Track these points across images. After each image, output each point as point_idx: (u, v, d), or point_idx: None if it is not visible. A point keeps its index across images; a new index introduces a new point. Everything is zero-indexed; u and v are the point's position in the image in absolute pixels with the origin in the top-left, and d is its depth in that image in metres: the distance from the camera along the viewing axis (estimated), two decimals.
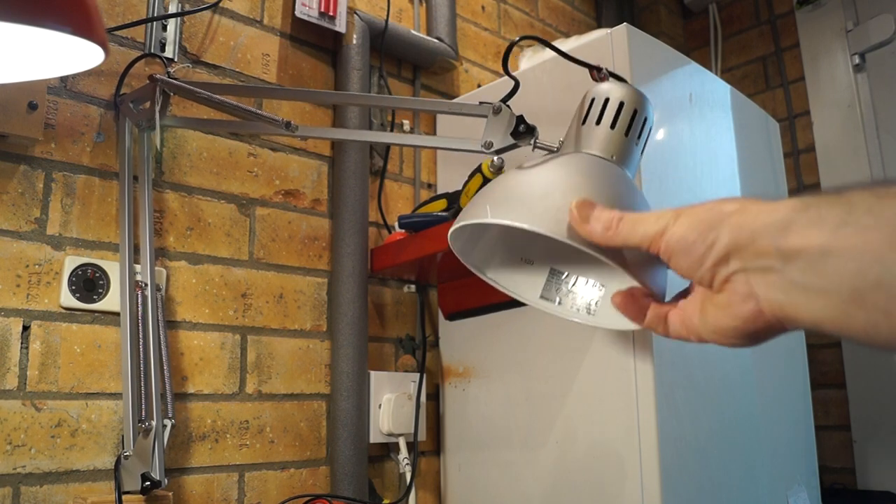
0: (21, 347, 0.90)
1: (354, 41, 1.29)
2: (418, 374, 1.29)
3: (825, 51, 1.83)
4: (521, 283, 0.67)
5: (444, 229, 1.14)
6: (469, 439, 1.25)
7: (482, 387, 1.24)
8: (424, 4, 1.51)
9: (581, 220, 0.51)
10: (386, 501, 1.20)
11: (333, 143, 1.28)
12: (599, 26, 1.95)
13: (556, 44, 1.42)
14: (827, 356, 1.73)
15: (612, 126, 0.62)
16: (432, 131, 1.45)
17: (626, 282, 0.53)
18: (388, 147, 1.35)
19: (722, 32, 2.08)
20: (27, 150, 0.94)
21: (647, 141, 0.65)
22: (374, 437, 1.20)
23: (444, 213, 1.17)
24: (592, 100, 0.64)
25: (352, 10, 1.30)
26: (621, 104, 0.62)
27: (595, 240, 0.50)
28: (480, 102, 0.75)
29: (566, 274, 0.66)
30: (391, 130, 1.38)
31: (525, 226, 0.53)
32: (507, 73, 0.71)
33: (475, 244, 0.67)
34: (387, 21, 1.35)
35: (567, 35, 1.81)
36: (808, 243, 0.38)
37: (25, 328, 0.91)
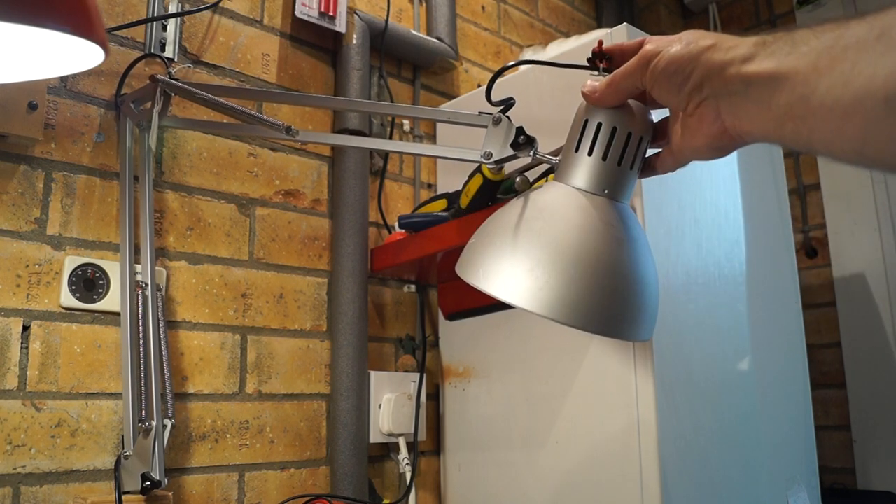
0: (21, 347, 0.90)
1: (354, 41, 1.29)
2: (418, 374, 1.29)
3: None
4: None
5: (444, 229, 1.14)
6: (469, 439, 1.25)
7: (482, 387, 1.24)
8: (424, 4, 1.51)
9: (591, 93, 0.61)
10: (386, 501, 1.20)
11: None
12: (599, 26, 1.95)
13: (555, 44, 1.43)
14: (827, 356, 1.73)
15: (604, 158, 0.61)
16: (432, 132, 1.45)
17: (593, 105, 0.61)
18: None
19: (722, 32, 2.08)
20: (27, 150, 0.94)
21: (644, 155, 0.64)
22: (374, 437, 1.20)
23: (444, 213, 1.17)
24: (585, 122, 0.63)
25: (352, 10, 1.30)
26: (614, 129, 0.61)
27: (606, 98, 0.60)
28: (480, 112, 0.74)
29: None
30: (391, 130, 1.38)
31: (513, 302, 0.58)
32: (490, 101, 0.71)
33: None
34: (387, 21, 1.35)
35: (567, 35, 1.81)
36: (762, 69, 0.47)
37: (25, 328, 0.91)
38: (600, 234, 0.60)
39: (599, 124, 0.62)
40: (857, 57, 0.41)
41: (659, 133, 0.63)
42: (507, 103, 0.72)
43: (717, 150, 0.55)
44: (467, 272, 0.63)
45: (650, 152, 0.64)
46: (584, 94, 0.62)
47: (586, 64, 0.67)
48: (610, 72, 0.62)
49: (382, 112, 1.33)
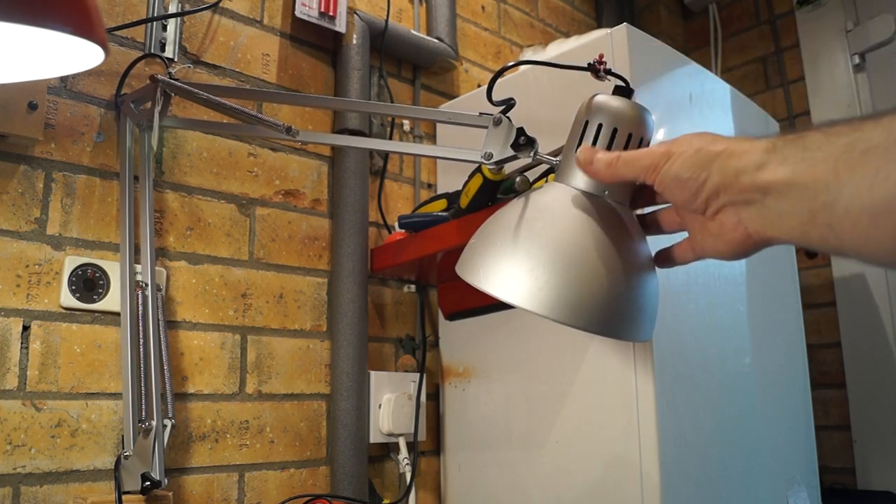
0: (21, 347, 0.90)
1: (354, 41, 1.29)
2: (418, 374, 1.29)
3: (825, 51, 1.83)
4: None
5: (444, 229, 1.14)
6: (469, 439, 1.25)
7: (482, 387, 1.24)
8: (424, 4, 1.51)
9: (586, 164, 0.60)
10: (386, 501, 1.20)
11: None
12: (599, 26, 1.95)
13: (555, 44, 1.43)
14: (827, 356, 1.73)
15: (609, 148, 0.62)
16: (432, 132, 1.45)
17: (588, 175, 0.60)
18: None
19: (722, 32, 2.08)
20: (27, 150, 0.94)
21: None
22: (374, 437, 1.20)
23: (444, 213, 1.17)
24: (586, 123, 0.63)
25: (352, 10, 1.30)
26: (615, 131, 0.61)
27: (601, 177, 0.59)
28: (480, 113, 0.74)
29: None
30: (391, 130, 1.38)
31: (513, 302, 0.58)
32: (491, 101, 0.72)
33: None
34: (387, 21, 1.35)
35: (567, 35, 1.81)
36: (777, 178, 0.46)
37: (25, 328, 0.91)
38: (600, 235, 0.60)
39: (600, 125, 0.62)
40: (879, 162, 0.40)
41: (666, 223, 0.63)
42: (508, 104, 0.72)
43: (742, 253, 0.54)
44: (467, 272, 0.63)
45: (669, 240, 0.64)
46: (579, 159, 0.61)
47: (586, 66, 0.67)
48: (609, 73, 0.62)
49: (382, 112, 1.33)
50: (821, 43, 1.84)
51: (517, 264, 0.60)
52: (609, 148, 0.61)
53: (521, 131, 0.71)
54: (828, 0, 1.83)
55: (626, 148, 0.61)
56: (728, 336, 1.15)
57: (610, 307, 0.59)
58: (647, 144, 0.63)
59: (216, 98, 0.93)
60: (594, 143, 0.62)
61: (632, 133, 0.61)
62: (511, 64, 0.75)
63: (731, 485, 1.09)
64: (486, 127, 0.73)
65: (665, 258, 0.64)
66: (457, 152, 0.78)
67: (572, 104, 0.66)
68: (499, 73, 0.72)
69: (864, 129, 0.42)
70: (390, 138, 1.37)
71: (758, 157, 0.48)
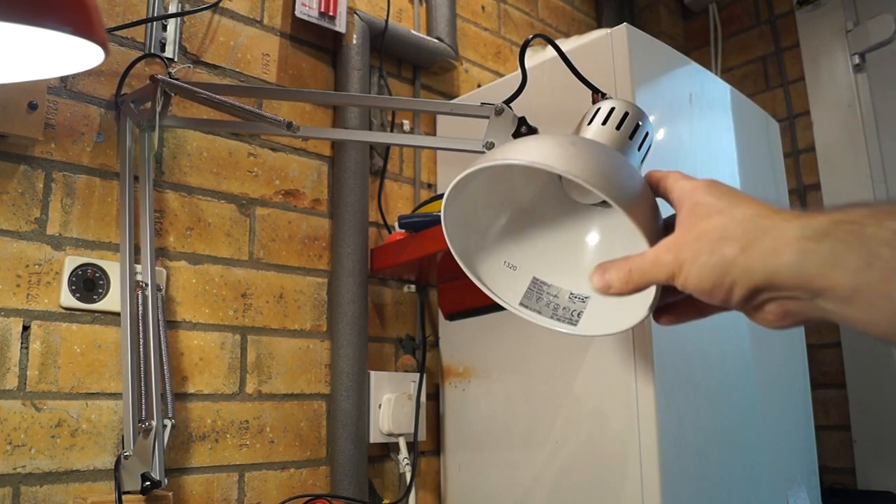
0: (21, 347, 0.90)
1: (354, 41, 1.29)
2: (418, 374, 1.29)
3: (825, 51, 1.83)
4: (502, 286, 0.67)
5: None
6: (469, 439, 1.25)
7: (482, 387, 1.24)
8: (424, 4, 1.51)
9: (605, 289, 0.52)
10: (386, 501, 1.20)
11: (333, 142, 1.28)
12: (599, 26, 1.95)
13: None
14: (827, 356, 1.73)
15: (618, 128, 0.62)
16: (432, 131, 1.45)
17: (611, 296, 0.53)
18: (388, 147, 1.35)
19: (722, 32, 2.08)
20: (27, 150, 0.94)
21: (646, 154, 0.65)
22: (374, 437, 1.20)
23: None
24: (598, 108, 0.64)
25: (352, 10, 1.30)
26: (626, 114, 0.63)
27: (616, 291, 0.52)
28: (482, 103, 0.75)
29: (550, 285, 0.66)
30: (391, 131, 1.38)
31: (538, 162, 0.54)
32: (523, 67, 0.72)
33: (466, 229, 0.66)
34: (387, 21, 1.35)
35: (567, 35, 1.81)
36: (835, 284, 0.38)
37: (25, 328, 0.91)
38: (612, 150, 0.60)
39: (612, 108, 0.63)
40: None
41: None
42: (513, 96, 0.73)
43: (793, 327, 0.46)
44: (500, 157, 0.59)
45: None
46: (595, 288, 0.53)
47: (594, 86, 0.69)
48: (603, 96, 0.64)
49: (382, 106, 1.33)
50: (821, 43, 1.84)
51: (535, 142, 0.58)
52: (620, 123, 0.62)
53: (522, 120, 0.72)
54: (828, 0, 1.83)
55: (635, 130, 0.62)
56: (728, 336, 1.15)
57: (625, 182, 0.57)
58: (650, 146, 0.64)
59: (216, 96, 0.93)
60: (605, 119, 0.62)
61: (640, 124, 0.62)
62: (537, 35, 0.75)
63: (731, 485, 1.09)
64: (487, 117, 0.73)
65: (665, 313, 0.56)
66: (458, 142, 0.78)
67: (572, 104, 0.66)
68: (526, 43, 0.72)
69: None
70: None
71: (791, 257, 0.39)
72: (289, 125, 0.87)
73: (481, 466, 1.22)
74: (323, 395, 1.18)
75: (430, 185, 1.43)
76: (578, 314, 0.64)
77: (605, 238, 0.65)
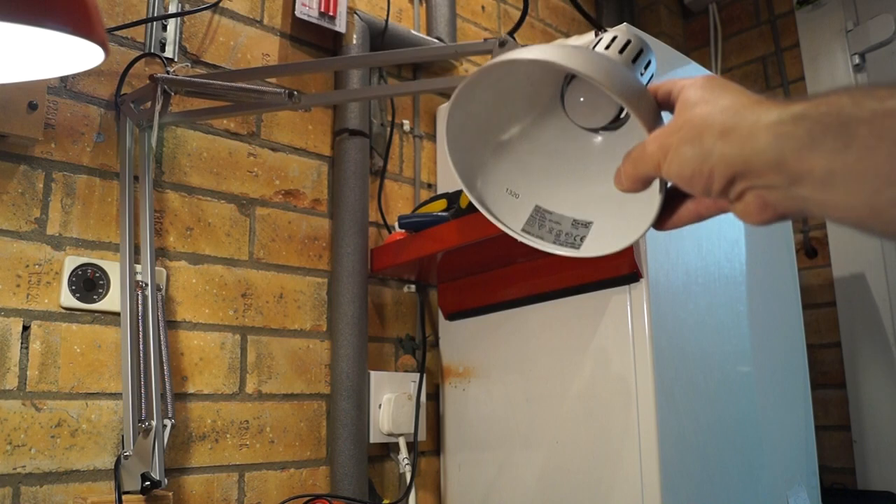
0: (21, 347, 0.90)
1: (354, 41, 1.29)
2: (418, 374, 1.29)
3: (825, 51, 1.83)
4: (504, 212, 0.67)
5: (444, 229, 1.14)
6: (469, 439, 1.25)
7: (482, 387, 1.24)
8: (424, 4, 1.51)
9: (615, 174, 0.53)
10: (386, 501, 1.20)
11: (333, 143, 1.28)
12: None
13: (555, 43, 1.43)
14: (827, 356, 1.73)
15: (621, 52, 0.62)
16: (432, 131, 1.45)
17: (613, 219, 0.53)
18: (388, 147, 1.35)
19: (722, 32, 2.08)
20: (27, 150, 0.94)
21: (649, 82, 0.64)
22: (374, 437, 1.20)
23: (444, 213, 1.17)
24: (600, 38, 0.64)
25: (352, 10, 1.30)
26: (628, 41, 0.62)
27: (626, 187, 0.52)
28: (485, 39, 0.74)
29: (552, 212, 0.66)
30: (391, 131, 1.38)
31: (544, 58, 0.54)
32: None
33: (470, 150, 0.65)
34: (387, 21, 1.35)
35: (567, 35, 1.81)
36: (812, 167, 0.37)
37: (25, 328, 0.91)
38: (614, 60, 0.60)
39: (615, 36, 0.63)
40: None
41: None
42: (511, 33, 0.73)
43: (775, 223, 0.46)
44: (519, 54, 0.58)
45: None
46: (615, 186, 0.54)
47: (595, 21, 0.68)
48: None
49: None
50: (821, 43, 1.84)
51: (559, 46, 0.59)
52: (623, 49, 0.62)
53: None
54: (828, 0, 1.83)
55: (636, 58, 0.62)
56: (728, 336, 1.15)
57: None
58: (652, 76, 0.64)
59: (214, 81, 0.92)
60: (609, 46, 0.62)
61: (643, 50, 0.62)
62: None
63: (731, 485, 1.09)
64: (490, 52, 0.73)
65: (670, 220, 0.56)
66: (459, 81, 0.78)
67: None
68: None
69: None
70: (390, 138, 1.37)
71: (767, 141, 0.39)
72: (290, 95, 0.86)
73: (481, 466, 1.22)
74: (323, 395, 1.18)
75: (430, 185, 1.43)
76: (581, 238, 0.64)
77: (607, 166, 0.65)
